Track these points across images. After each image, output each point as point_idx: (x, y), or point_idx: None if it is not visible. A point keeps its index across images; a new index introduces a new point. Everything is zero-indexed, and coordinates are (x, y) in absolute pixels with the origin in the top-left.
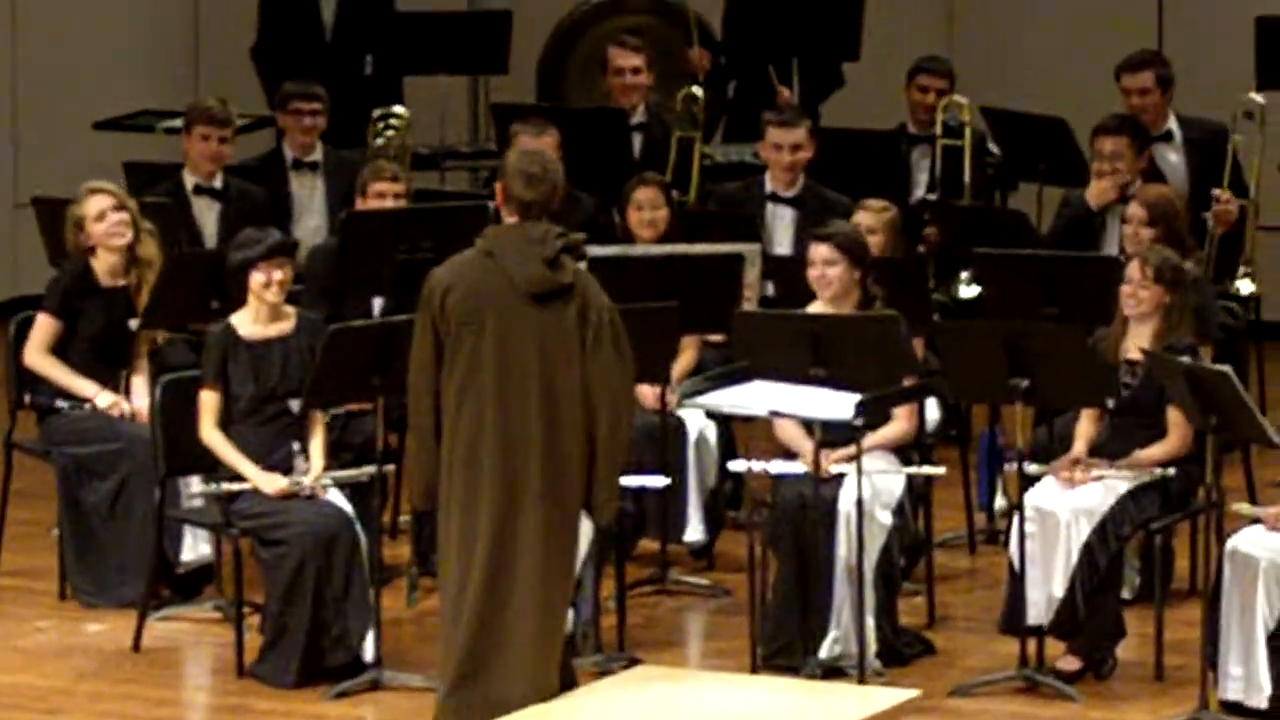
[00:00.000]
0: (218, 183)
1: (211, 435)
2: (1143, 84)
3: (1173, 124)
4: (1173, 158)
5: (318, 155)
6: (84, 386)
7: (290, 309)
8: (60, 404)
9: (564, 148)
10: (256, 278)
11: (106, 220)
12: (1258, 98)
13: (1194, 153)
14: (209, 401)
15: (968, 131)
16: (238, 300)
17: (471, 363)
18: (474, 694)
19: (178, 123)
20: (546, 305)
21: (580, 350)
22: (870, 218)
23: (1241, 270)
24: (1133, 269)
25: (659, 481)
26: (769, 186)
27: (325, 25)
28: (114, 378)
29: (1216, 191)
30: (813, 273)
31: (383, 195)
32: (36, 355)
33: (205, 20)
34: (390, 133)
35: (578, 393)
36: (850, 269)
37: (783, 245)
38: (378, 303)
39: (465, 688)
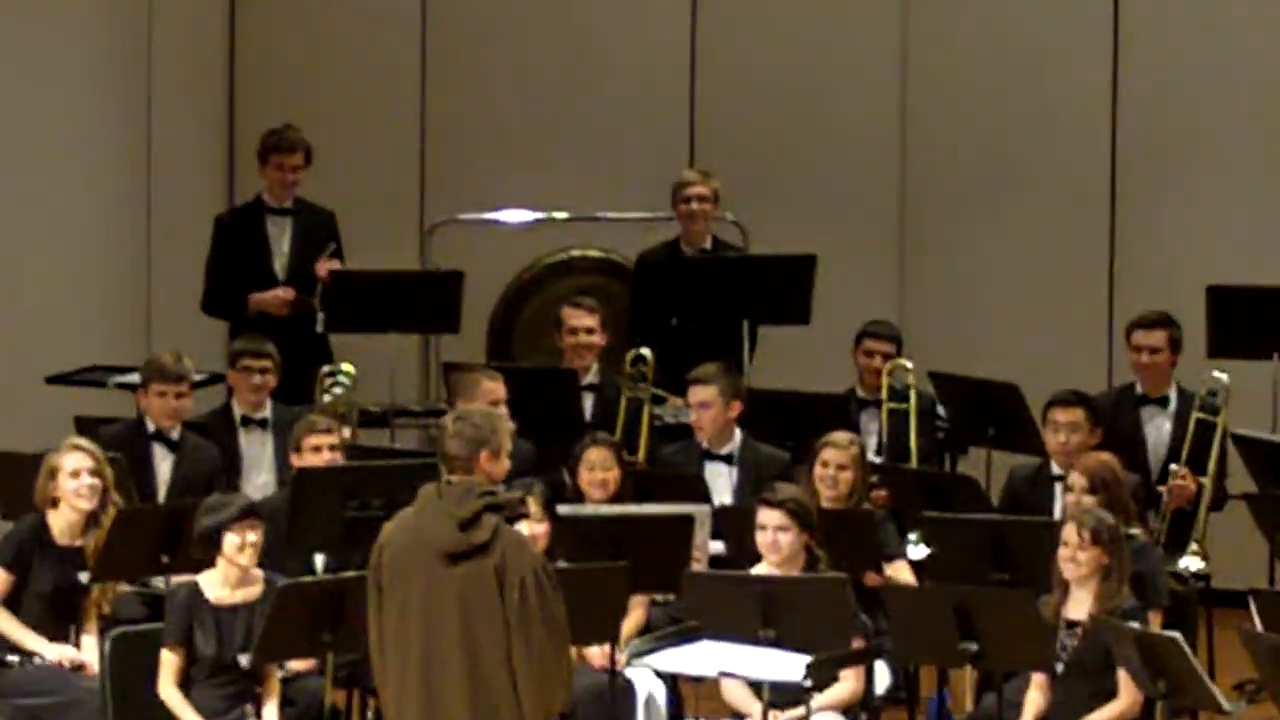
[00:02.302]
0: (174, 434)
1: (170, 694)
2: (1155, 343)
3: (1172, 391)
4: (1165, 425)
5: (267, 412)
6: (34, 641)
7: (259, 573)
8: (10, 657)
9: (514, 406)
10: (231, 540)
11: (79, 480)
12: (1222, 377)
13: (1182, 426)
14: (170, 661)
15: (913, 395)
16: (194, 559)
17: (399, 618)
18: None
19: (129, 378)
20: (461, 563)
21: (501, 607)
22: (840, 454)
23: (1192, 548)
24: (1069, 532)
25: None
26: (704, 444)
27: (278, 279)
28: (64, 631)
29: (1174, 467)
30: (764, 538)
31: (318, 449)
32: None
33: (157, 274)
34: (338, 390)
35: (502, 647)
36: (800, 534)
37: (722, 502)
38: (319, 558)
39: None
